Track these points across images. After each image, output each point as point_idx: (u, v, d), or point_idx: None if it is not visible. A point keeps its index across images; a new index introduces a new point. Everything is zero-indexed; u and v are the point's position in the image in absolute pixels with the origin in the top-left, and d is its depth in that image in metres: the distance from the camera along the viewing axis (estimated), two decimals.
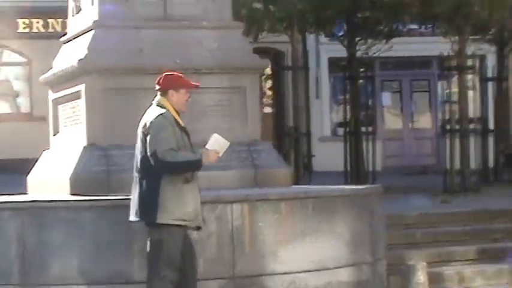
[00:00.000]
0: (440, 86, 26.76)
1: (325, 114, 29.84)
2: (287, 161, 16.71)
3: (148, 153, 8.18)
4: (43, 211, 9.85)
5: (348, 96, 21.14)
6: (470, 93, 26.12)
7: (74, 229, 9.54)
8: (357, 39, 20.58)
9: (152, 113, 8.39)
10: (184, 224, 8.36)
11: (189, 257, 8.56)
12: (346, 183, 18.22)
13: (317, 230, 9.97)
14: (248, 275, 9.64)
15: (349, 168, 19.91)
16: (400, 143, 31.00)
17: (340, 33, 21.71)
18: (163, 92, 8.48)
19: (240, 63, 11.39)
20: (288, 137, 18.17)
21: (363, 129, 20.70)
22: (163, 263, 8.33)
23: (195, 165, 8.38)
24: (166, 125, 8.27)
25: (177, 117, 8.42)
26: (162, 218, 8.22)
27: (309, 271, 9.86)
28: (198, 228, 8.57)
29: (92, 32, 11.10)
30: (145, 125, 8.35)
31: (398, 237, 12.66)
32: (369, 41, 20.65)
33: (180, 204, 8.33)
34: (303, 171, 18.61)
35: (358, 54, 20.56)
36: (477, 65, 26.49)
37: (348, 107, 20.80)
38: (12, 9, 25.33)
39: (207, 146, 8.32)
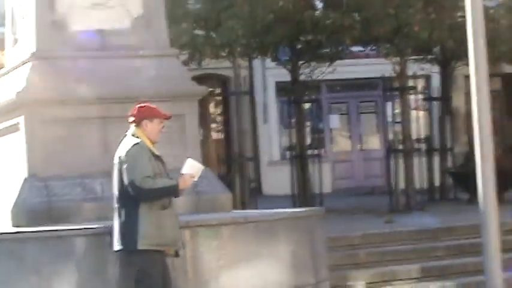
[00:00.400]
0: (387, 106, 27.10)
1: (273, 139, 29.80)
2: (233, 186, 16.82)
3: (126, 182, 8.31)
4: None
5: (293, 120, 21.21)
6: (420, 113, 26.57)
7: (17, 261, 9.48)
8: (300, 62, 20.64)
9: (127, 144, 8.53)
10: (164, 250, 8.55)
11: (168, 283, 8.70)
12: (293, 206, 18.27)
13: (258, 255, 9.96)
14: None
15: (296, 192, 19.93)
16: (349, 164, 31.12)
17: (284, 58, 21.69)
18: (138, 123, 8.62)
19: (178, 90, 11.39)
20: (233, 162, 18.20)
21: (310, 152, 20.84)
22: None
23: (173, 191, 8.53)
24: (142, 154, 8.44)
25: (151, 146, 8.59)
26: (143, 245, 8.34)
27: None
28: (177, 253, 8.73)
29: (30, 63, 11.04)
30: (120, 156, 8.48)
31: (343, 258, 12.82)
32: (312, 64, 20.69)
33: (159, 230, 8.47)
34: (250, 196, 18.65)
35: (303, 77, 20.59)
36: (422, 85, 26.77)
37: (293, 131, 20.87)
38: None
39: (182, 171, 8.49)
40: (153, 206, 8.48)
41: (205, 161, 11.96)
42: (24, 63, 11.24)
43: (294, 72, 20.66)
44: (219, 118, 29.81)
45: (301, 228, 10.68)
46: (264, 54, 21.40)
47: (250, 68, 26.96)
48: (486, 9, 16.90)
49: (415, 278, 12.62)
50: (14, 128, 11.05)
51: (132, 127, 8.69)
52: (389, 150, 19.11)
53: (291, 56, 20.96)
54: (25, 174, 10.73)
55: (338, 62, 21.71)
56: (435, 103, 24.62)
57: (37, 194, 10.55)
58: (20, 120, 10.84)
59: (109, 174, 10.35)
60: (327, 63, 20.80)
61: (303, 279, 10.29)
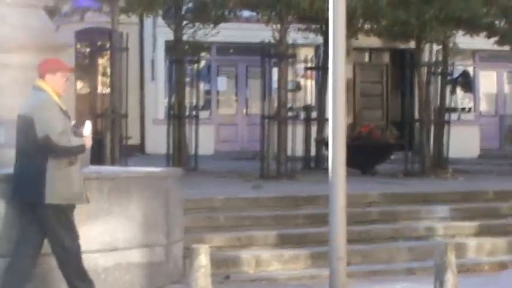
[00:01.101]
0: (270, 73, 27.28)
1: (159, 97, 29.73)
2: (104, 142, 16.73)
3: (39, 136, 8.44)
4: None
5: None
6: (308, 82, 26.76)
7: None
8: (184, 22, 20.67)
9: (34, 97, 8.76)
10: (72, 203, 8.83)
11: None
12: (168, 166, 18.23)
13: (109, 212, 10.05)
14: (41, 254, 9.32)
15: (172, 152, 19.92)
16: (234, 128, 31.29)
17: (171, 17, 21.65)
18: (42, 76, 8.77)
19: (42, 41, 11.07)
20: (104, 117, 17.98)
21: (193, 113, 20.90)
22: (63, 235, 8.78)
23: (82, 149, 8.88)
24: (53, 109, 8.60)
25: (58, 100, 8.68)
26: (51, 199, 8.54)
27: (99, 251, 9.92)
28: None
29: None
30: (28, 108, 8.67)
31: (202, 221, 12.88)
32: (196, 24, 20.68)
33: (67, 185, 8.70)
34: (124, 154, 18.48)
35: (186, 37, 20.69)
36: (312, 54, 26.78)
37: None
38: None
39: (84, 132, 8.77)
40: (61, 161, 8.67)
41: (86, 115, 11.94)
42: None
43: (177, 31, 20.66)
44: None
45: (156, 188, 10.79)
46: (150, 12, 21.28)
47: (141, 25, 26.91)
48: None
49: (271, 244, 12.67)
50: None
51: (38, 81, 8.80)
52: (263, 116, 19.09)
53: (175, 15, 20.93)
54: None
55: (225, 25, 21.74)
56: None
57: None
58: None
59: None
60: (211, 25, 20.77)
61: (154, 239, 10.44)
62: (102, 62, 25.89)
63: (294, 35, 21.63)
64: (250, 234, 12.73)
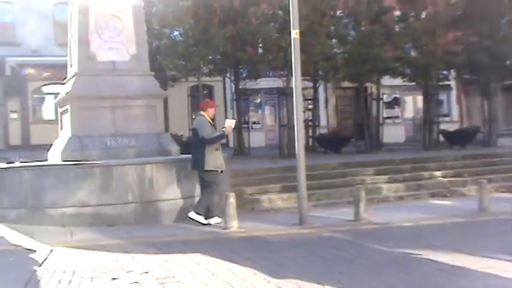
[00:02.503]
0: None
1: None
2: None
3: (200, 136, 9.25)
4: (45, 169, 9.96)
5: None
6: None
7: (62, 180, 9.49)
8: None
9: (198, 119, 9.58)
10: (217, 169, 9.39)
11: (220, 186, 9.69)
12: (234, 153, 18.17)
13: (187, 177, 9.94)
14: (152, 200, 9.66)
15: (236, 145, 19.88)
16: (273, 132, 30.30)
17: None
18: (203, 109, 9.62)
19: (152, 92, 11.14)
20: None
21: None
22: (209, 187, 9.36)
23: (222, 137, 9.52)
24: (206, 123, 9.42)
25: (210, 120, 9.53)
26: (208, 167, 9.27)
27: (181, 198, 9.85)
28: (222, 172, 9.53)
29: (75, 77, 10.83)
30: (195, 125, 9.51)
31: (242, 180, 12.39)
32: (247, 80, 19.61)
33: (215, 160, 9.33)
34: None
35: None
36: None
37: None
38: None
39: (225, 125, 9.39)
40: (212, 147, 9.31)
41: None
42: (73, 76, 10.97)
43: (237, 84, 19.75)
44: None
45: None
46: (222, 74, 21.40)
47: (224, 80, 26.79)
48: None
49: (277, 191, 12.27)
50: (66, 111, 10.89)
51: (201, 111, 9.62)
52: (280, 125, 18.97)
53: (235, 76, 19.79)
54: (70, 135, 10.57)
55: (263, 79, 20.86)
56: None
57: (76, 144, 10.38)
58: (68, 107, 10.71)
59: (115, 135, 10.74)
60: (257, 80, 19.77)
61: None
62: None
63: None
64: (266, 186, 12.50)
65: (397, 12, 20.23)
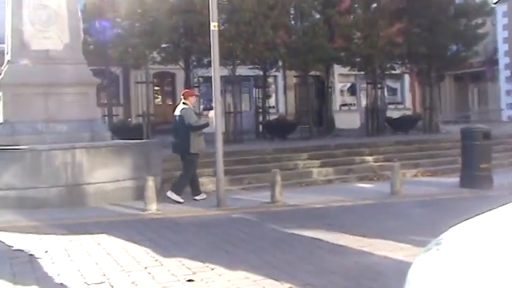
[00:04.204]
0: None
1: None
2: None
3: (186, 123, 9.65)
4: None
5: None
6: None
7: None
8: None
9: (181, 107, 9.92)
10: (199, 152, 9.97)
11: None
12: None
13: (115, 162, 10.16)
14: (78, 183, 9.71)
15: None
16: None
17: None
18: (185, 98, 10.00)
19: (85, 80, 11.22)
20: None
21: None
22: (189, 170, 9.90)
23: (206, 125, 9.90)
24: (191, 111, 9.85)
25: (192, 107, 10.02)
26: (193, 150, 9.79)
27: (108, 182, 10.02)
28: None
29: (7, 65, 10.92)
30: (180, 112, 9.85)
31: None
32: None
33: (198, 144, 9.86)
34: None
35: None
36: None
37: None
38: None
39: (209, 115, 9.82)
40: (196, 133, 9.77)
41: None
42: (5, 65, 11.01)
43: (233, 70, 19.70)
44: None
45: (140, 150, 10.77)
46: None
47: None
48: None
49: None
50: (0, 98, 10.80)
51: (183, 99, 9.98)
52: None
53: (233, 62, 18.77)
54: (1, 120, 10.64)
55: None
56: None
57: (8, 130, 10.47)
58: (1, 93, 10.71)
59: (47, 121, 10.73)
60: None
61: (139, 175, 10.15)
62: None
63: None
64: (201, 170, 11.74)
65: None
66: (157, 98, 28.72)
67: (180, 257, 6.07)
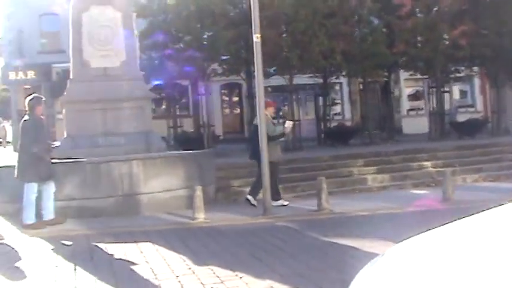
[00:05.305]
0: None
1: None
2: None
3: (268, 133, 9.54)
4: None
5: None
6: None
7: None
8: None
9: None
10: (276, 160, 10.00)
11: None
12: None
13: (168, 172, 10.40)
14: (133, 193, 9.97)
15: None
16: None
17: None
18: (265, 108, 9.75)
19: (142, 94, 11.55)
20: None
21: None
22: (272, 178, 9.63)
23: (282, 135, 10.19)
24: (269, 121, 9.94)
25: (270, 117, 10.11)
26: (270, 158, 9.55)
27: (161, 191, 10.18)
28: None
29: (70, 83, 11.40)
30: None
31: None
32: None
33: (275, 152, 9.95)
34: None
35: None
36: None
37: None
38: None
39: (285, 125, 10.15)
40: (273, 142, 9.82)
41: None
42: (68, 84, 11.48)
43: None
44: None
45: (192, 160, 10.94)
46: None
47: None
48: None
49: None
50: (63, 113, 11.35)
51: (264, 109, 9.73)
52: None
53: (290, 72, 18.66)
54: (65, 135, 11.17)
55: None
56: None
57: (69, 144, 10.86)
58: (64, 110, 11.20)
59: (106, 135, 11.14)
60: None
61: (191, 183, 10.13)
62: None
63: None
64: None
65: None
66: (226, 108, 29.27)
67: (213, 265, 6.13)
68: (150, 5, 17.44)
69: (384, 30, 18.76)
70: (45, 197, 8.81)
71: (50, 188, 8.77)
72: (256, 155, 9.81)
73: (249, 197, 10.23)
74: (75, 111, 11.05)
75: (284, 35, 17.40)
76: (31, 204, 8.67)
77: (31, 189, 8.60)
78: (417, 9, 19.67)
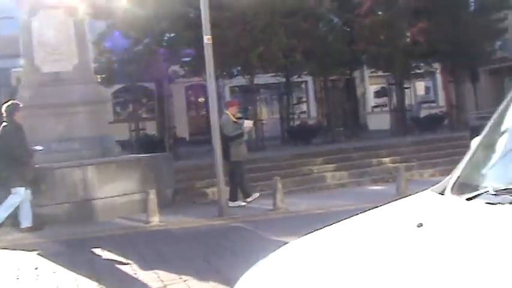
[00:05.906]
0: None
1: None
2: None
3: (226, 133, 9.80)
4: None
5: None
6: None
7: None
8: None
9: (223, 117, 10.22)
10: (241, 159, 10.08)
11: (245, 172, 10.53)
12: None
13: (123, 176, 10.20)
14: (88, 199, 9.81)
15: None
16: None
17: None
18: (227, 108, 10.38)
19: (96, 98, 11.35)
20: None
21: None
22: (235, 175, 10.11)
23: (240, 135, 10.09)
24: (229, 121, 10.07)
25: (233, 117, 10.21)
26: (232, 158, 9.93)
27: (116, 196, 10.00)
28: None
29: (21, 89, 11.21)
30: (221, 122, 9.95)
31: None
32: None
33: (239, 152, 10.04)
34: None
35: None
36: None
37: None
38: None
39: (244, 125, 10.21)
40: (237, 141, 9.99)
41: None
42: (20, 89, 11.31)
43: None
44: None
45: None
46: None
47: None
48: None
49: None
50: None
51: (226, 110, 10.33)
52: None
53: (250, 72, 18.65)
54: None
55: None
56: None
57: None
58: None
59: (59, 140, 10.87)
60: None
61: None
62: None
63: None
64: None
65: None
66: (191, 110, 29.07)
67: (159, 269, 6.08)
68: (109, 6, 17.15)
69: (344, 28, 18.84)
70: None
71: (27, 194, 8.90)
72: (226, 155, 9.87)
73: (231, 203, 9.93)
74: (27, 117, 10.72)
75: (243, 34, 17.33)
76: (10, 207, 8.76)
77: (18, 194, 8.76)
78: (376, 7, 19.88)
